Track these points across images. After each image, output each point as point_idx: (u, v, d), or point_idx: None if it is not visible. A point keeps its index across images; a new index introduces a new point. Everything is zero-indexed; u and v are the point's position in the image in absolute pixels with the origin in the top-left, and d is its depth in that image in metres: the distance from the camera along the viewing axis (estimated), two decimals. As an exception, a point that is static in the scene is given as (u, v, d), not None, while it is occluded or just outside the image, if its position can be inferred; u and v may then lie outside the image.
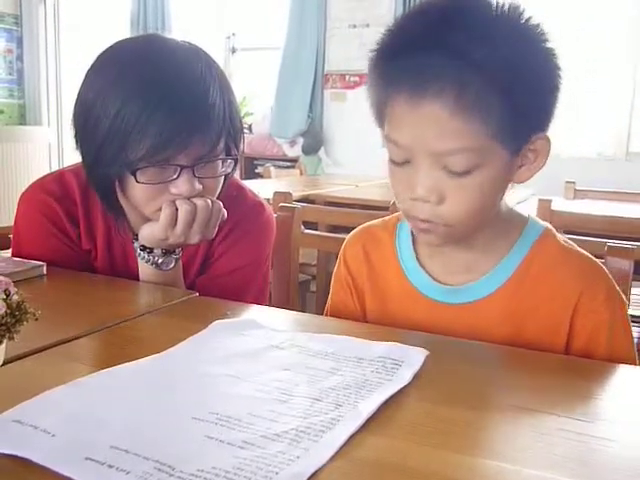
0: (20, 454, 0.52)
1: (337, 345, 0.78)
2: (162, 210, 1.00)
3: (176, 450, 0.53)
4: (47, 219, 1.12)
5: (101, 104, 0.97)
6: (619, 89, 4.09)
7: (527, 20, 0.76)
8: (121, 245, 1.15)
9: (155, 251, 1.06)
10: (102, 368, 0.70)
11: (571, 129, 4.07)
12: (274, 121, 4.89)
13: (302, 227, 1.56)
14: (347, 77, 4.74)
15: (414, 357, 0.73)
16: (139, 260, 1.08)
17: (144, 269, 1.08)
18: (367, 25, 4.60)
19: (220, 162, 1.04)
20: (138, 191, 1.00)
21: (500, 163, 0.78)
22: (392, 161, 0.82)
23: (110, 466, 0.51)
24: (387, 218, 1.01)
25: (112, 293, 1.03)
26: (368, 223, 1.03)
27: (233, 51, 5.40)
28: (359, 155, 4.62)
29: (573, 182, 2.94)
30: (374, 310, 0.95)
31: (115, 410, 0.61)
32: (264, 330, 0.83)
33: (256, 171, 4.88)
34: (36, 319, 0.67)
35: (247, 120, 5.14)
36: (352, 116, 4.70)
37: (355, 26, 4.63)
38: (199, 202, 1.01)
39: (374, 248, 0.98)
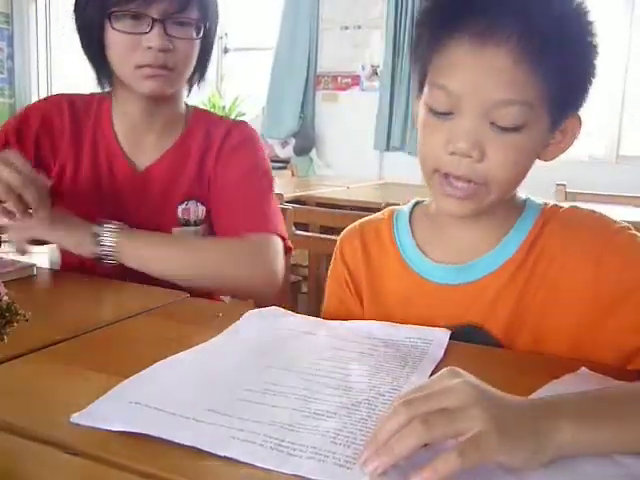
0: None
1: (363, 329, 0.83)
2: None
3: (276, 423, 0.58)
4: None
5: None
6: (610, 92, 4.12)
7: None
8: (107, 161, 1.21)
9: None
10: (94, 370, 0.70)
11: (562, 132, 4.08)
12: (266, 122, 4.89)
13: (293, 228, 1.56)
14: (339, 78, 4.75)
15: (440, 336, 0.80)
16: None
17: None
18: (359, 27, 4.60)
19: (193, 30, 1.13)
20: (117, 43, 1.10)
21: (541, 130, 0.77)
22: (432, 112, 0.78)
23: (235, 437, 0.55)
24: (382, 211, 1.00)
25: (103, 294, 1.02)
26: (363, 218, 1.01)
27: (225, 51, 5.40)
28: (351, 156, 4.63)
29: (564, 184, 2.95)
30: (372, 304, 0.93)
31: (202, 390, 0.65)
32: (289, 317, 0.89)
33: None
34: (26, 320, 0.66)
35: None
36: (344, 117, 4.70)
37: (347, 28, 4.64)
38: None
39: (373, 240, 0.95)
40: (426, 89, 0.79)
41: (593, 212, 0.86)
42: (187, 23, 1.12)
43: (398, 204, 1.80)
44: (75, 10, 1.15)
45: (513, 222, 0.86)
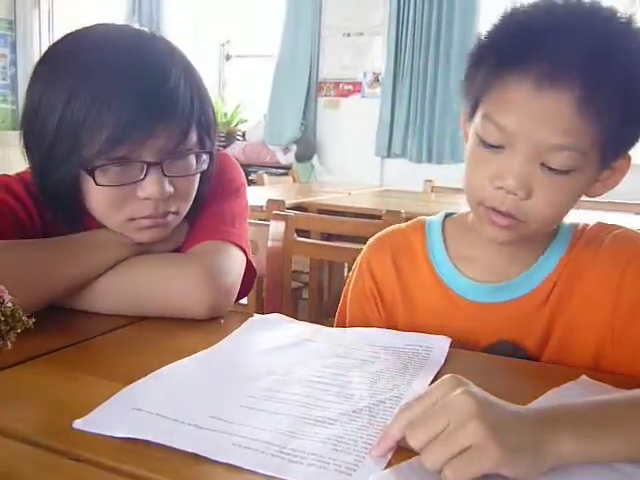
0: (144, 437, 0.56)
1: (364, 337, 0.83)
2: None
3: (278, 430, 0.58)
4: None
5: (47, 99, 0.85)
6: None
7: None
8: None
9: None
10: (96, 376, 0.70)
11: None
12: (268, 128, 4.90)
13: (295, 235, 1.56)
14: (341, 85, 4.76)
15: (440, 343, 0.80)
16: None
17: None
18: (361, 34, 4.62)
19: (194, 158, 0.92)
20: (101, 199, 0.87)
21: (591, 173, 0.77)
22: (483, 143, 0.77)
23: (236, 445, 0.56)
24: (411, 222, 0.97)
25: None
26: (392, 227, 0.98)
27: (227, 58, 5.42)
28: (352, 163, 4.64)
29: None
30: (407, 317, 0.92)
31: (204, 397, 0.65)
32: (291, 324, 0.89)
33: (249, 178, 4.88)
34: (30, 326, 0.67)
35: (241, 127, 5.15)
36: (345, 124, 4.71)
37: (349, 35, 4.65)
38: None
39: (404, 253, 0.93)
40: (478, 119, 0.78)
41: (617, 226, 0.87)
42: (187, 153, 0.90)
43: (399, 211, 1.82)
44: (39, 180, 0.90)
45: (548, 242, 0.87)
